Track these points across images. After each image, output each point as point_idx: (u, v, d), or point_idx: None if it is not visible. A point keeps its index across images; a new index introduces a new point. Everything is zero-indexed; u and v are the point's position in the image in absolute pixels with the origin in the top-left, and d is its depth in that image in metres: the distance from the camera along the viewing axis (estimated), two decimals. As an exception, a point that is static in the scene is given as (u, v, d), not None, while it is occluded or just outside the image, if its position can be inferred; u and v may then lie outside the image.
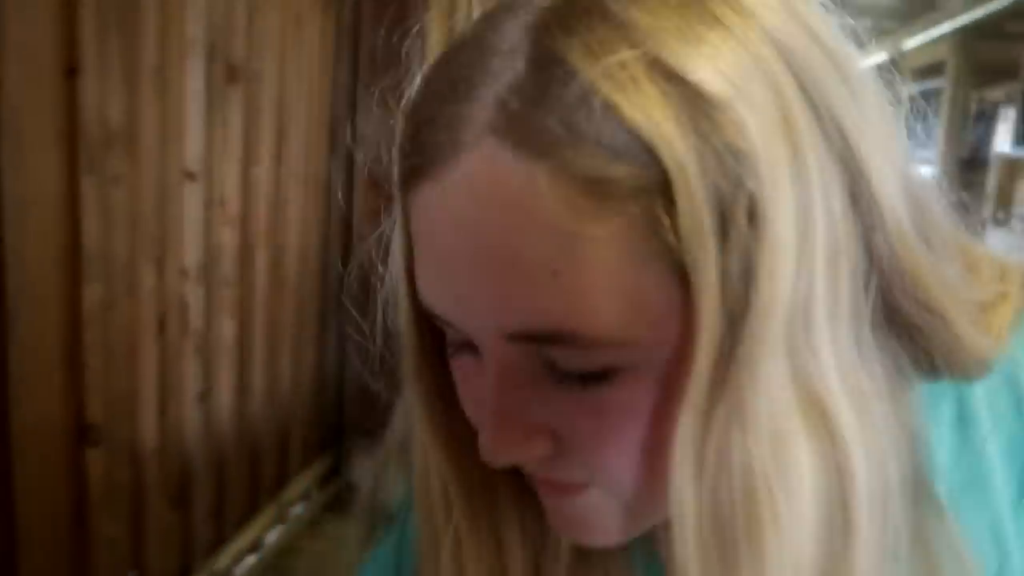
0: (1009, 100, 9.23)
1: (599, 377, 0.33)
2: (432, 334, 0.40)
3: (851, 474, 0.32)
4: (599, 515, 0.37)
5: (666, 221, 0.30)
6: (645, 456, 0.34)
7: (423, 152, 0.33)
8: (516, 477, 0.40)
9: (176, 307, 1.78)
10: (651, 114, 0.29)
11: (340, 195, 2.63)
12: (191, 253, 1.82)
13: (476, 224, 0.32)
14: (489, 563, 0.41)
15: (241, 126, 2.00)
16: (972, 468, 0.39)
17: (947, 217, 0.39)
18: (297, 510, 2.55)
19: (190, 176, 1.79)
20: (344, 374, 2.79)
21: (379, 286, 0.45)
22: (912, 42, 6.26)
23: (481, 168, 0.31)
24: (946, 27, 5.57)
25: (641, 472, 0.34)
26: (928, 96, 6.15)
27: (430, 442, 0.41)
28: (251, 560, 2.25)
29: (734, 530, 0.31)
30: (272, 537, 2.38)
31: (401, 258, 0.40)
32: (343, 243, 2.71)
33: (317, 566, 2.38)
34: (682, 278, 0.30)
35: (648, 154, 0.29)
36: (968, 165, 5.97)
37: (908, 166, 0.36)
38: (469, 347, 0.36)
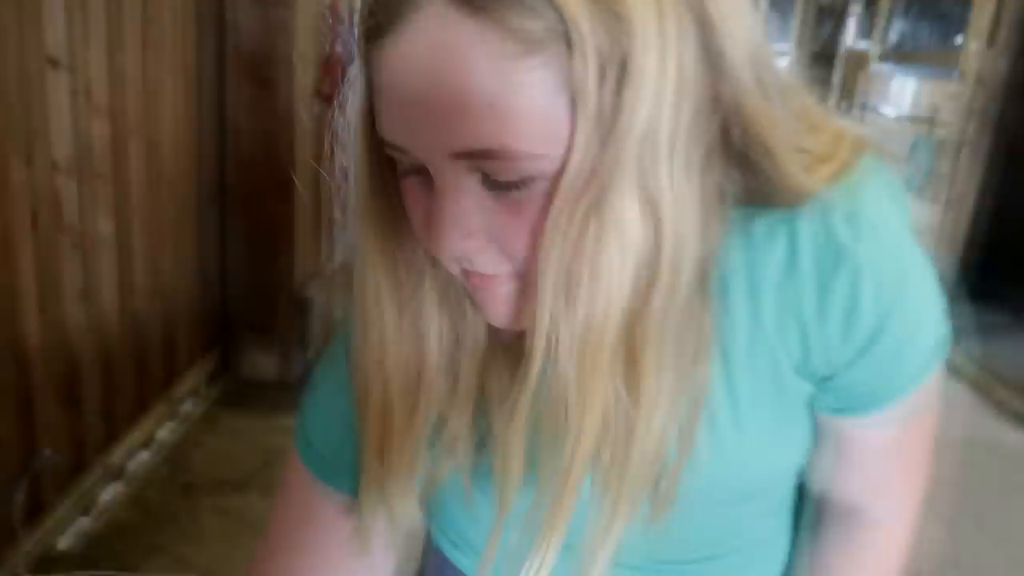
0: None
1: (519, 185, 0.43)
2: (379, 166, 0.49)
3: (665, 255, 0.44)
4: (513, 303, 0.48)
5: (567, 64, 0.40)
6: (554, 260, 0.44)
7: (384, 14, 0.42)
8: (439, 283, 0.51)
9: (49, 202, 1.73)
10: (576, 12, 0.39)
11: (213, 84, 2.53)
12: (61, 146, 1.75)
13: (430, 69, 0.40)
14: (408, 352, 0.52)
15: (104, 10, 1.89)
16: (793, 286, 0.49)
17: (793, 83, 0.50)
18: (187, 406, 2.57)
19: (53, 63, 1.70)
20: (226, 269, 2.77)
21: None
22: (773, -64, 6.45)
23: (433, 24, 0.40)
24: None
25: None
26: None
27: (372, 251, 0.51)
28: (144, 456, 2.28)
29: (580, 277, 0.43)
30: (164, 433, 2.40)
31: (359, 102, 0.47)
32: (218, 135, 2.64)
33: (212, 458, 2.44)
34: (574, 108, 0.41)
35: (557, 13, 0.39)
36: (819, 59, 6.35)
37: (760, 36, 0.45)
38: (418, 172, 0.46)
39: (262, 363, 2.84)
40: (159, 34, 2.20)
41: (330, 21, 2.98)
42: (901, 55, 4.25)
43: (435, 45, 0.40)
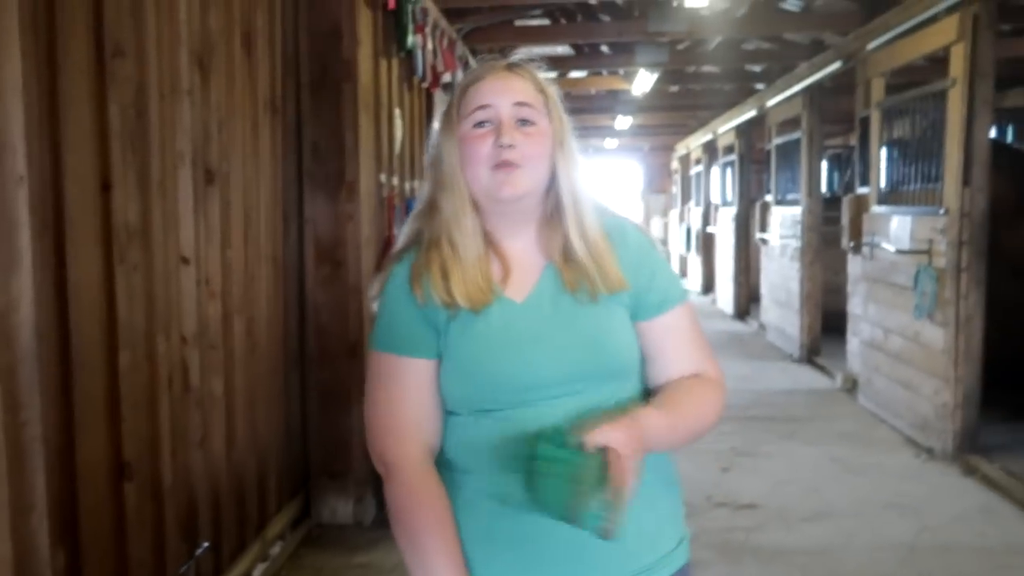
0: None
1: (531, 123, 1.14)
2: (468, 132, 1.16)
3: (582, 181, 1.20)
4: (521, 180, 1.12)
5: (540, 92, 1.18)
6: (539, 158, 1.14)
7: (478, 76, 1.17)
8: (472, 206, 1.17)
9: (180, 368, 2.17)
10: (544, 87, 1.19)
11: (295, 267, 3.05)
12: (188, 324, 2.22)
13: (503, 81, 1.16)
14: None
15: (219, 216, 2.42)
16: (619, 245, 1.17)
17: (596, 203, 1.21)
18: (275, 549, 2.88)
19: (185, 261, 2.20)
20: (307, 425, 3.17)
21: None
22: (773, 100, 7.16)
23: (499, 74, 1.16)
24: (798, 87, 6.45)
25: (537, 163, 1.14)
26: (792, 146, 7.03)
27: (459, 174, 1.15)
28: (242, 590, 2.58)
29: (567, 171, 1.17)
30: (257, 572, 2.71)
31: (456, 117, 1.16)
32: (299, 308, 3.13)
33: (299, 592, 2.73)
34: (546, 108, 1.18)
35: (537, 81, 1.19)
36: (830, 204, 6.85)
37: (587, 185, 1.19)
38: (487, 123, 1.13)
39: (339, 508, 3.17)
40: (256, 232, 2.74)
41: (386, 210, 3.55)
42: (894, 196, 4.69)
43: (502, 77, 1.15)
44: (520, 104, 1.12)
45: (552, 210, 1.17)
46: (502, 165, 1.11)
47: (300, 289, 3.15)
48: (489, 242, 1.17)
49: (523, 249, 1.18)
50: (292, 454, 3.07)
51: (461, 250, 1.13)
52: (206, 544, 2.13)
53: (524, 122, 1.13)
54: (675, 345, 1.17)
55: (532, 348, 1.10)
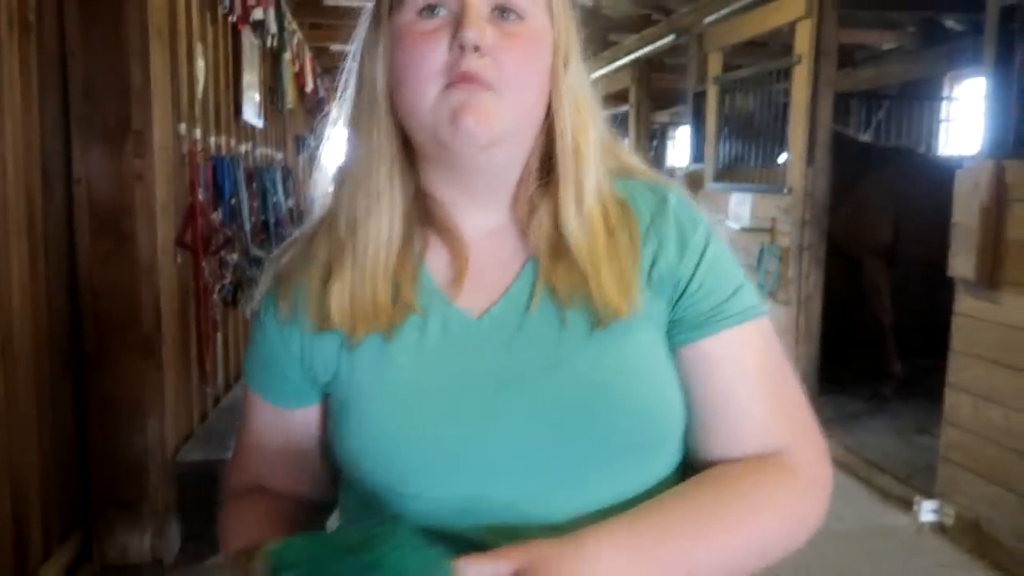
0: (675, 122, 10.74)
1: (518, 17, 0.66)
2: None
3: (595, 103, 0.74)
4: (494, 112, 0.64)
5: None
6: (527, 81, 0.66)
7: None
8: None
9: None
10: None
11: (62, 242, 2.32)
12: None
13: None
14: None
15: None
16: (663, 218, 0.71)
17: (613, 138, 0.77)
18: (40, 609, 2.20)
19: None
20: (87, 443, 2.47)
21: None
22: (599, 72, 7.02)
23: None
24: (626, 60, 6.33)
25: (524, 87, 0.66)
26: (618, 119, 6.93)
27: (383, 100, 0.69)
28: None
29: (579, 99, 0.71)
30: (14, 646, 2.03)
31: (387, 4, 0.68)
32: (69, 295, 2.41)
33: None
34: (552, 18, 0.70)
35: None
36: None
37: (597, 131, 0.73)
38: (440, 10, 0.65)
39: (132, 544, 2.51)
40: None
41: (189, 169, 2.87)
42: (732, 174, 4.65)
43: None
44: None
45: (542, 169, 0.71)
46: (463, 80, 0.63)
47: (70, 270, 2.43)
48: (432, 217, 0.71)
49: (493, 232, 0.72)
50: (64, 482, 2.37)
51: (363, 232, 0.68)
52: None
53: (505, 12, 0.66)
54: (728, 393, 0.69)
55: (490, 400, 0.65)
